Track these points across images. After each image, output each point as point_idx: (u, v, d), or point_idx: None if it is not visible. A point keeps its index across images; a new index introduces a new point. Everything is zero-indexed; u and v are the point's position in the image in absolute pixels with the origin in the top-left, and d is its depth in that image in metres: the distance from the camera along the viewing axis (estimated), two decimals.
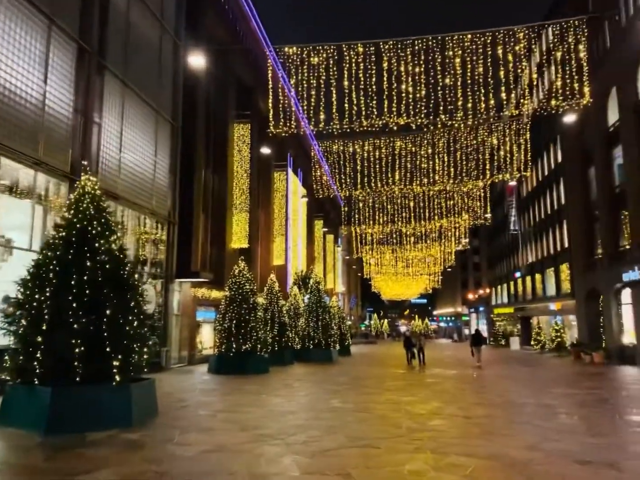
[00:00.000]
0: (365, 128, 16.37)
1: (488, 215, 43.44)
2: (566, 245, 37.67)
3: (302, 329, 29.67)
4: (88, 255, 9.63)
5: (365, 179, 24.83)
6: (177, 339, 25.20)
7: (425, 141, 24.34)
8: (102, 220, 10.17)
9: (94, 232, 9.87)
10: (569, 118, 26.37)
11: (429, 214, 35.37)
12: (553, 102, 15.81)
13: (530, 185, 46.76)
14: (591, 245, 33.55)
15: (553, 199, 40.43)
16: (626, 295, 29.01)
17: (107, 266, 9.72)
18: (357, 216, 36.23)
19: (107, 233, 10.11)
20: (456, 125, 16.15)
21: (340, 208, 59.12)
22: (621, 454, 7.31)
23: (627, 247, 28.13)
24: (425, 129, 16.31)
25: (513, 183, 45.59)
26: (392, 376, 20.02)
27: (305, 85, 16.95)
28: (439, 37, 16.08)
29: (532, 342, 42.72)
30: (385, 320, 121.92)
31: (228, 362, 20.71)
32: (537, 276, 45.96)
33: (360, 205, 35.69)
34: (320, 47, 16.45)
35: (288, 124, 17.25)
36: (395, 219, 36.24)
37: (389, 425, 9.13)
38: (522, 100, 15.72)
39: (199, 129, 27.18)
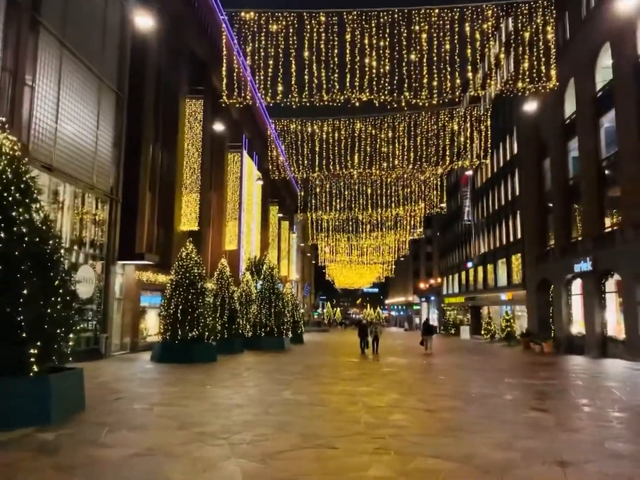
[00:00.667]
0: (325, 102, 15.36)
1: (443, 205, 43.49)
2: (519, 236, 38.06)
3: (254, 316, 28.59)
4: (2, 225, 8.23)
5: (324, 161, 23.85)
6: (119, 325, 23.62)
7: (386, 124, 23.58)
8: (22, 187, 8.75)
9: (10, 199, 8.45)
10: (528, 107, 26.25)
11: (386, 201, 34.83)
12: (519, 84, 15.30)
13: (484, 176, 47.09)
14: (544, 236, 33.92)
15: (507, 190, 40.76)
16: (576, 286, 29.46)
17: (25, 239, 8.35)
18: (313, 201, 35.24)
19: (26, 201, 8.71)
20: (420, 103, 15.36)
21: (296, 194, 58.11)
22: (599, 452, 6.71)
23: (579, 239, 28.46)
24: (388, 107, 15.47)
25: (469, 173, 45.77)
26: (346, 365, 19.30)
27: (262, 54, 15.74)
28: (406, 10, 15.21)
29: (482, 332, 43.24)
30: (338, 309, 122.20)
31: (173, 350, 19.43)
32: (489, 266, 46.49)
33: (317, 190, 34.70)
34: (280, 14, 15.29)
35: (242, 95, 16.02)
36: (353, 205, 35.49)
37: (346, 421, 8.27)
38: (488, 81, 15.07)
39: (147, 101, 25.40)
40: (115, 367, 16.73)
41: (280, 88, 15.46)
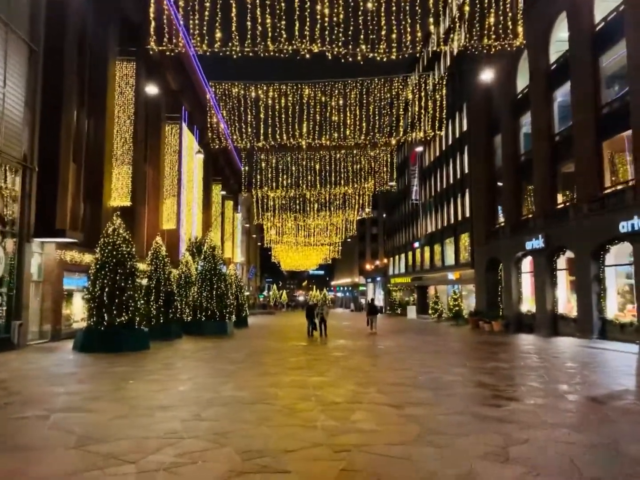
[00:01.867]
0: (271, 53, 13.40)
1: (393, 183, 42.50)
2: (467, 215, 37.58)
3: (194, 299, 26.45)
4: None
5: (269, 130, 21.86)
6: (38, 311, 20.96)
7: (337, 91, 21.83)
8: None
9: None
10: (480, 80, 25.18)
11: (335, 178, 33.24)
12: (485, 41, 13.97)
13: (433, 155, 46.40)
14: (493, 215, 33.47)
15: (456, 169, 40.17)
16: (526, 264, 29.12)
17: None
18: (258, 177, 33.16)
19: None
20: (378, 58, 13.68)
21: (240, 173, 55.45)
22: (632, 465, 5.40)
23: (530, 216, 28.01)
24: (342, 60, 13.69)
25: (419, 149, 44.89)
26: (294, 350, 17.70)
27: None
28: None
29: (430, 311, 42.89)
30: (284, 291, 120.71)
31: (98, 338, 17.16)
32: (436, 246, 46.11)
33: (263, 165, 32.62)
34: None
35: (174, 42, 13.83)
36: (300, 182, 33.69)
37: (299, 426, 6.63)
38: (450, 35, 13.61)
39: (68, 59, 22.41)
40: (25, 360, 14.35)
41: (218, 35, 13.34)
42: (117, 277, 17.62)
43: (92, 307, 17.51)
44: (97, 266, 17.81)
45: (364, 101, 22.38)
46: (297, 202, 43.06)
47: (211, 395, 8.77)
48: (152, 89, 24.82)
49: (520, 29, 13.93)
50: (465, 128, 38.16)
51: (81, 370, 12.40)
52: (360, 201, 42.97)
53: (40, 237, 20.14)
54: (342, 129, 22.13)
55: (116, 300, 17.45)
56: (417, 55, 46.82)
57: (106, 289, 17.47)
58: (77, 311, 24.13)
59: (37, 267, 20.94)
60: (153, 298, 22.93)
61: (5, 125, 17.78)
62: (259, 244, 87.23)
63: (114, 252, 17.85)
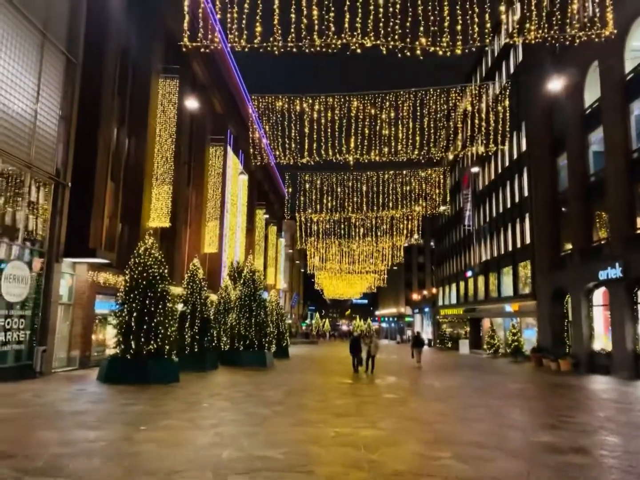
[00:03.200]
0: (318, 48, 11.75)
1: (445, 208, 40.08)
2: (527, 241, 34.61)
3: (232, 327, 24.73)
4: None
5: (314, 145, 20.22)
6: (67, 336, 19.71)
7: (387, 102, 20.06)
8: None
9: None
10: (544, 92, 22.84)
11: (382, 200, 31.26)
12: (568, 31, 11.87)
13: (487, 178, 43.73)
14: (557, 241, 30.49)
15: (514, 192, 37.38)
16: (599, 295, 25.98)
17: None
18: (302, 199, 31.59)
19: None
20: (440, 52, 11.79)
21: (284, 199, 54.35)
22: None
23: (603, 242, 25.06)
24: (399, 54, 11.87)
25: (475, 169, 42.34)
26: (339, 389, 15.53)
27: None
28: None
29: (485, 346, 39.64)
30: (327, 320, 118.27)
31: (124, 368, 15.59)
32: (492, 275, 42.99)
33: (307, 186, 31.06)
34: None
35: (209, 37, 12.41)
36: (345, 204, 31.88)
37: None
38: (527, 25, 11.60)
39: (108, 72, 21.70)
40: (40, 391, 12.82)
41: (259, 29, 11.80)
42: (147, 301, 16.10)
43: (119, 333, 16.02)
44: (126, 288, 16.37)
45: (418, 113, 20.47)
46: (342, 226, 41.22)
47: (234, 454, 6.78)
48: (193, 104, 23.85)
49: (609, 16, 11.74)
50: (523, 148, 35.54)
51: (92, 408, 10.68)
52: (409, 226, 40.68)
53: (71, 257, 19.01)
54: (392, 144, 20.23)
55: (144, 327, 15.88)
56: (475, 67, 44.92)
57: (134, 314, 15.95)
58: (110, 336, 22.82)
59: (67, 289, 19.78)
60: (188, 325, 21.35)
61: (37, 138, 16.82)
62: (302, 270, 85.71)
63: (144, 274, 16.37)
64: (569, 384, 19.03)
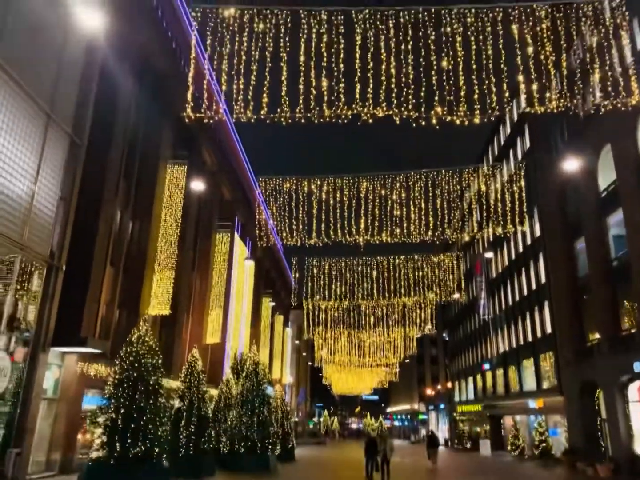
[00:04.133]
0: (327, 119, 11.11)
1: (458, 296, 38.50)
2: (549, 330, 32.67)
3: (232, 426, 22.45)
4: None
5: (322, 225, 19.37)
6: (47, 435, 17.70)
7: (398, 183, 19.46)
8: None
9: None
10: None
11: (394, 285, 29.96)
12: (591, 99, 11.25)
13: (501, 264, 42.53)
14: (581, 329, 28.65)
15: (530, 278, 35.99)
16: (634, 390, 23.70)
17: None
18: (309, 284, 30.40)
19: None
20: (457, 121, 11.10)
21: (291, 288, 53.25)
22: None
23: (634, 330, 23.27)
24: (413, 124, 11.21)
25: (489, 255, 41.21)
26: None
27: (243, 58, 11.76)
28: (433, 10, 11.49)
29: (509, 447, 36.27)
30: (336, 418, 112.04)
31: (105, 474, 13.57)
32: (511, 368, 40.40)
33: (314, 271, 29.99)
34: (269, 12, 11.58)
35: (211, 108, 11.87)
36: (355, 290, 30.58)
37: None
38: (549, 94, 11.00)
39: (114, 155, 21.48)
40: None
41: (265, 100, 11.26)
42: (137, 396, 14.40)
43: (104, 433, 14.16)
44: (115, 381, 14.73)
45: (430, 194, 19.80)
46: (351, 314, 39.59)
47: None
48: (200, 186, 23.45)
49: (634, 85, 11.14)
50: (537, 233, 34.67)
51: None
52: (422, 314, 38.94)
53: (59, 346, 17.50)
54: (405, 224, 19.34)
55: (132, 425, 14.05)
56: (487, 147, 45.27)
57: (122, 411, 14.19)
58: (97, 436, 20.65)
59: (52, 382, 18.07)
60: (183, 424, 19.29)
61: (33, 219, 16.01)
62: (309, 363, 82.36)
63: (136, 365, 14.82)
64: None
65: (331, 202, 19.53)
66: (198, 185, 23.46)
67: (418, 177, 19.52)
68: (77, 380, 18.77)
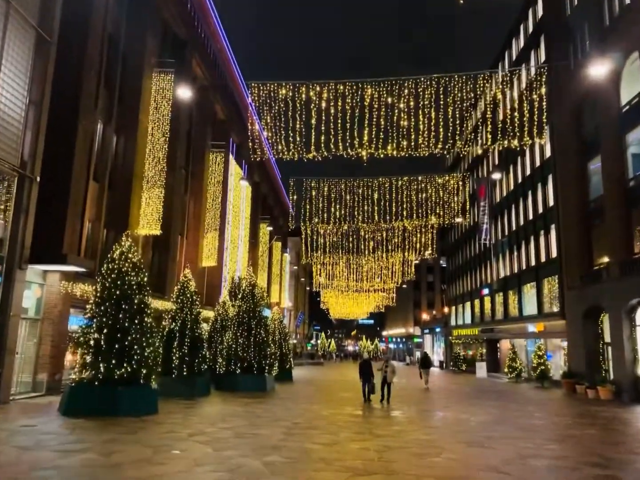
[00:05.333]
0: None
1: (459, 220, 37.25)
2: (554, 255, 31.67)
3: (228, 347, 21.86)
4: None
5: (322, 138, 17.59)
6: (32, 356, 16.93)
7: (406, 90, 17.45)
8: None
9: None
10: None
11: (395, 208, 28.53)
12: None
13: (506, 188, 40.93)
14: (589, 253, 27.59)
15: (537, 202, 34.55)
16: None
17: None
18: (307, 207, 28.94)
19: None
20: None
21: (289, 214, 51.82)
22: None
23: None
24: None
25: (496, 175, 39.57)
26: (351, 425, 12.59)
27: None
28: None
29: (506, 370, 36.38)
30: (333, 340, 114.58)
31: (89, 397, 12.74)
32: (512, 293, 39.90)
33: (313, 193, 28.42)
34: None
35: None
36: (355, 213, 29.16)
37: None
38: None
39: (91, 57, 19.29)
40: None
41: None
42: (120, 315, 13.35)
43: (87, 354, 13.22)
44: (97, 300, 13.63)
45: (441, 102, 17.89)
46: (350, 239, 38.44)
47: None
48: (187, 94, 21.26)
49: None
50: (548, 154, 32.83)
51: (16, 457, 7.85)
52: (423, 239, 37.85)
53: (39, 264, 16.33)
54: (412, 136, 17.57)
55: (117, 346, 13.10)
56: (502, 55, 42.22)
57: (104, 331, 13.19)
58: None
59: (34, 302, 17.08)
60: (176, 345, 18.56)
61: None
62: (308, 288, 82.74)
63: (118, 282, 13.66)
64: (621, 417, 15.98)
65: (332, 111, 17.56)
66: (186, 94, 21.24)
67: (428, 82, 17.50)
68: (62, 300, 17.79)
